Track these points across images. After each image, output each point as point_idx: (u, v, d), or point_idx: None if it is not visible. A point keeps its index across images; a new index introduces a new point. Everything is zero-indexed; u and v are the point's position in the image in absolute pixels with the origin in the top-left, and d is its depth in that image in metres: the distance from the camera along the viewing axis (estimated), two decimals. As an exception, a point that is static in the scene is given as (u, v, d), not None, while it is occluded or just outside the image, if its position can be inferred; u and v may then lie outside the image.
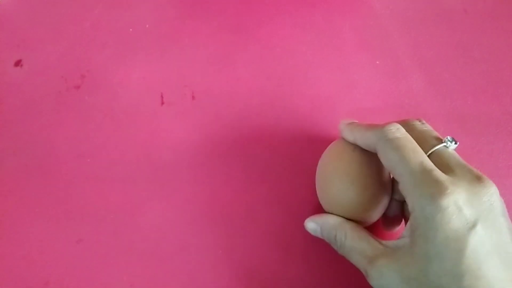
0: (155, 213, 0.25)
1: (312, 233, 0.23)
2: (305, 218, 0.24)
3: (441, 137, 0.20)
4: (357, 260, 0.20)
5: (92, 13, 0.34)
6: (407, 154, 0.18)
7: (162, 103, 0.29)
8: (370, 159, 0.21)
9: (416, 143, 0.19)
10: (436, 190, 0.17)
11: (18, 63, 0.31)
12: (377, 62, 0.32)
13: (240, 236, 0.25)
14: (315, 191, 0.24)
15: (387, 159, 0.19)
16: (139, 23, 0.33)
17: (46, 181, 0.26)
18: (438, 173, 0.18)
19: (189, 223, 0.25)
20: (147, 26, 0.33)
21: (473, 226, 0.16)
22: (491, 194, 0.17)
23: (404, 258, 0.18)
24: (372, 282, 0.19)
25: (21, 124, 0.28)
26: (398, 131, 0.20)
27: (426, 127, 0.21)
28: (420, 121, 0.22)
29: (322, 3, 0.35)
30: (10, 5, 0.34)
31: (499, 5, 0.35)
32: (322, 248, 0.24)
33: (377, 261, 0.19)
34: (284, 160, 0.27)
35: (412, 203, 0.18)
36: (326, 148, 0.24)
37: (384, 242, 0.20)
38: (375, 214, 0.22)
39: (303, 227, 0.24)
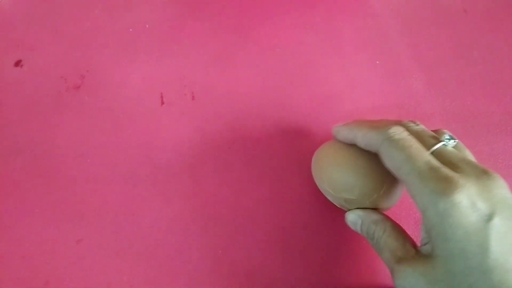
0: (155, 213, 0.25)
1: (351, 225, 0.23)
2: (305, 218, 0.24)
3: (438, 136, 0.20)
4: (387, 257, 0.20)
5: (92, 13, 0.34)
6: (413, 153, 0.18)
7: (162, 103, 0.29)
8: (368, 152, 0.22)
9: (419, 144, 0.19)
10: (447, 186, 0.17)
11: (18, 63, 0.31)
12: (377, 62, 0.32)
13: (240, 236, 0.25)
14: (315, 191, 0.24)
15: (393, 159, 0.19)
16: (139, 23, 0.33)
17: (46, 181, 0.26)
18: (446, 169, 0.18)
19: (189, 223, 0.25)
20: (147, 26, 0.33)
21: (490, 218, 0.16)
22: (501, 186, 0.17)
23: (429, 260, 0.18)
24: (396, 281, 0.19)
25: (21, 124, 0.28)
26: (403, 133, 0.20)
27: (421, 127, 0.21)
28: (414, 122, 0.22)
29: (322, 3, 0.35)
30: (10, 5, 0.34)
31: (499, 5, 0.35)
32: (322, 248, 0.24)
33: (405, 262, 0.19)
34: (284, 160, 0.27)
35: (422, 201, 0.18)
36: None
37: (419, 247, 0.20)
38: (387, 199, 0.22)
39: (303, 227, 0.24)
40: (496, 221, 0.16)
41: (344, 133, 0.23)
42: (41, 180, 0.26)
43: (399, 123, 0.21)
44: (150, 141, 0.28)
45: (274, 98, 0.30)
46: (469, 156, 0.21)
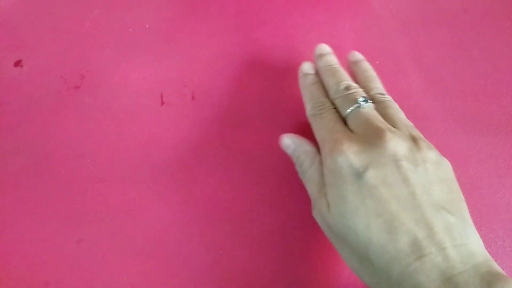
0: (155, 213, 0.25)
1: (285, 148, 0.25)
2: (305, 218, 0.24)
3: (359, 97, 0.23)
4: (311, 189, 0.23)
5: (92, 13, 0.34)
6: (324, 124, 0.23)
7: (162, 103, 0.29)
8: None
9: (334, 115, 0.23)
10: (333, 147, 0.20)
11: (18, 63, 0.31)
12: (377, 62, 0.31)
13: (240, 236, 0.25)
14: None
15: (314, 130, 0.24)
16: (139, 23, 0.33)
17: (46, 181, 0.26)
18: (340, 133, 0.21)
19: (189, 223, 0.25)
20: (147, 26, 0.33)
21: (363, 171, 0.19)
22: (388, 143, 0.19)
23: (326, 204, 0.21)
24: (312, 212, 0.22)
25: (21, 124, 0.28)
26: (322, 106, 0.24)
27: (348, 89, 0.24)
28: (348, 84, 0.24)
29: (322, 3, 0.35)
30: (10, 5, 0.34)
31: (499, 5, 0.35)
32: (322, 248, 0.24)
33: (319, 199, 0.21)
34: (284, 160, 0.27)
35: (322, 161, 0.21)
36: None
37: None
38: None
39: (303, 227, 0.24)
40: (369, 173, 0.19)
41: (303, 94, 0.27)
42: (41, 180, 0.26)
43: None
44: (150, 141, 0.28)
45: (274, 98, 0.30)
46: (389, 114, 0.23)
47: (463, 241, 0.17)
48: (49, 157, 0.27)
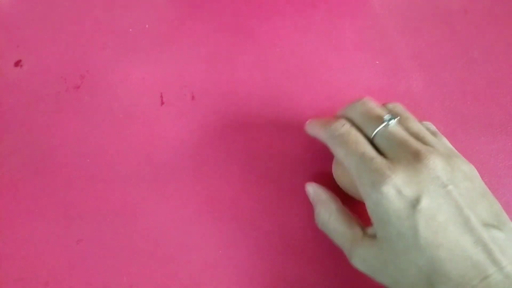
0: (155, 213, 0.25)
1: (309, 196, 0.25)
2: (305, 218, 0.24)
3: (382, 114, 0.21)
4: (340, 243, 0.22)
5: (92, 13, 0.34)
6: (350, 147, 0.20)
7: (162, 103, 0.29)
8: None
9: (359, 135, 0.21)
10: (377, 179, 0.18)
11: (18, 63, 0.31)
12: (377, 62, 0.32)
13: (240, 236, 0.25)
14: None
15: (337, 155, 0.21)
16: (139, 23, 0.33)
17: (46, 181, 0.26)
18: (377, 161, 0.19)
19: (189, 223, 0.25)
20: (147, 26, 0.33)
21: (417, 202, 0.18)
22: (430, 168, 0.18)
23: (376, 242, 0.19)
24: (354, 263, 0.21)
25: (21, 124, 0.28)
26: (343, 127, 0.21)
27: (366, 108, 0.22)
28: (361, 100, 0.23)
29: (322, 4, 0.35)
30: (10, 5, 0.34)
31: (499, 5, 0.35)
32: (324, 248, 0.24)
33: (358, 246, 0.20)
34: (284, 160, 0.27)
35: (362, 192, 0.20)
36: (325, 147, 0.24)
37: (366, 228, 0.21)
38: None
39: (303, 226, 0.24)
40: (423, 204, 0.18)
41: (309, 130, 0.25)
42: (41, 180, 0.26)
43: (349, 106, 0.23)
44: (150, 141, 0.28)
45: (274, 98, 0.29)
46: (412, 128, 0.22)
47: None
48: (49, 157, 0.27)
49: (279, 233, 0.25)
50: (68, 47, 0.32)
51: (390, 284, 0.19)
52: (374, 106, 0.22)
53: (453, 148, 0.22)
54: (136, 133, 0.28)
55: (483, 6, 0.35)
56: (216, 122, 0.28)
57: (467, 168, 0.20)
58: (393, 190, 0.18)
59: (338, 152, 0.21)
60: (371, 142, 0.21)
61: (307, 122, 0.25)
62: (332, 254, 0.24)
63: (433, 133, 0.23)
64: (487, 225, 0.18)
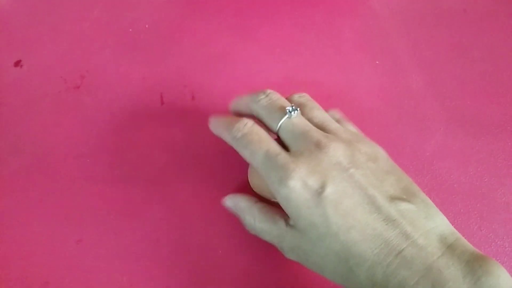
0: (155, 213, 0.25)
1: (229, 210, 0.24)
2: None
3: (286, 105, 0.21)
4: (270, 240, 0.22)
5: (92, 13, 0.34)
6: (254, 147, 0.20)
7: (162, 103, 0.29)
8: None
9: (261, 132, 0.21)
10: (283, 174, 0.19)
11: (18, 63, 0.31)
12: (377, 62, 0.32)
13: (240, 236, 0.25)
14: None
15: (244, 156, 0.21)
16: (139, 23, 0.33)
17: (46, 181, 0.26)
18: (281, 156, 0.19)
19: (189, 223, 0.25)
20: (147, 26, 0.33)
21: (322, 190, 0.18)
22: (331, 155, 0.19)
23: (297, 233, 0.20)
24: (289, 257, 0.21)
25: (21, 124, 0.28)
26: (245, 127, 0.21)
27: (269, 100, 0.22)
28: (264, 92, 0.23)
29: (322, 3, 0.35)
30: (10, 5, 0.34)
31: (499, 5, 0.35)
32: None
33: (284, 239, 0.20)
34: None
35: (272, 190, 0.20)
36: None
37: (288, 219, 0.21)
38: None
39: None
40: (328, 190, 0.18)
41: (213, 129, 0.24)
42: (41, 180, 0.26)
43: (251, 97, 0.23)
44: (150, 141, 0.28)
45: (274, 98, 0.29)
46: (316, 117, 0.22)
47: (430, 225, 0.18)
48: (49, 157, 0.27)
49: (279, 233, 0.25)
50: (68, 47, 0.32)
51: (317, 271, 0.20)
52: (277, 98, 0.22)
53: (359, 133, 0.23)
54: (136, 133, 0.28)
55: (483, 6, 0.35)
56: (216, 122, 0.28)
57: (369, 150, 0.20)
58: (299, 183, 0.18)
59: (244, 153, 0.21)
60: (278, 135, 0.21)
61: (210, 118, 0.24)
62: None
63: (338, 121, 0.23)
64: (395, 199, 0.18)
